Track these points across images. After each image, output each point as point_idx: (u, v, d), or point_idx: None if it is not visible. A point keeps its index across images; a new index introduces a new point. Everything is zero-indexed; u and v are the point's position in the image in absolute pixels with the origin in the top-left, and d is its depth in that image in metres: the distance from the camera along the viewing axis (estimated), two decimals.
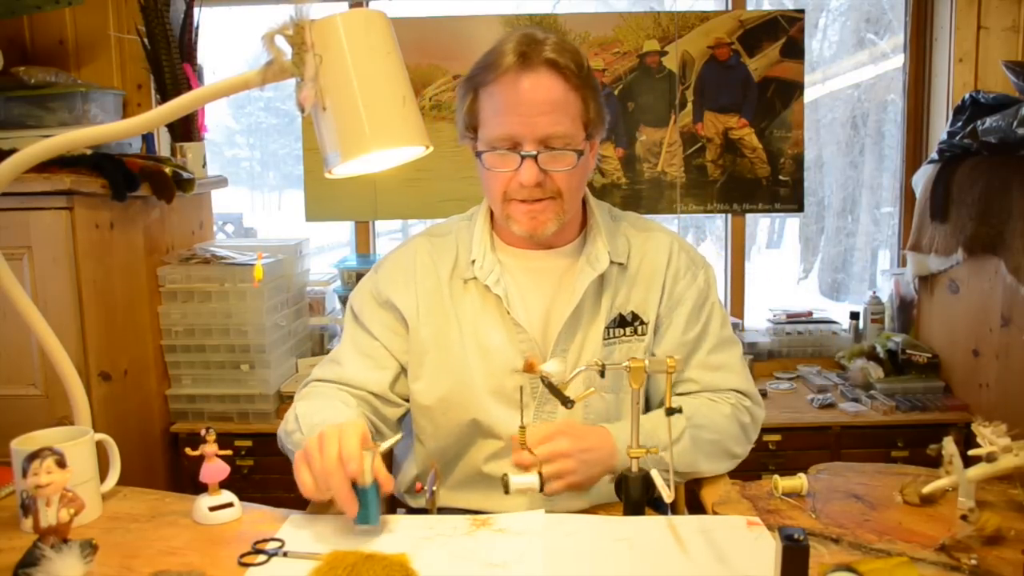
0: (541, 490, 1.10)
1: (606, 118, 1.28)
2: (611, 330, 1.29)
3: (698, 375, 1.32)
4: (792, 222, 7.21)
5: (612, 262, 1.29)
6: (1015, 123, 2.11)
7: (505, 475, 1.09)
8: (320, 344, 2.72)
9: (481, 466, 1.30)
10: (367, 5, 2.73)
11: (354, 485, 1.00)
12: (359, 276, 1.41)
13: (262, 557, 0.98)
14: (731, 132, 2.72)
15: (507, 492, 1.09)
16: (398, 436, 1.12)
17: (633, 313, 1.30)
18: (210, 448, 1.10)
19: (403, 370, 1.33)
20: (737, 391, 1.33)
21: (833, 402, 2.47)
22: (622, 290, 1.31)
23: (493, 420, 1.27)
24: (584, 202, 1.35)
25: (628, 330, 1.30)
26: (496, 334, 1.28)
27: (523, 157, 1.19)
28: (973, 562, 0.93)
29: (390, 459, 1.49)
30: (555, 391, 1.08)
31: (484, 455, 1.30)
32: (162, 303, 2.31)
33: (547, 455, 1.11)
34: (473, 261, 1.29)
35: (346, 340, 1.36)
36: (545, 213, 1.23)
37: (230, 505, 1.10)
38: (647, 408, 1.31)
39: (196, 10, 2.45)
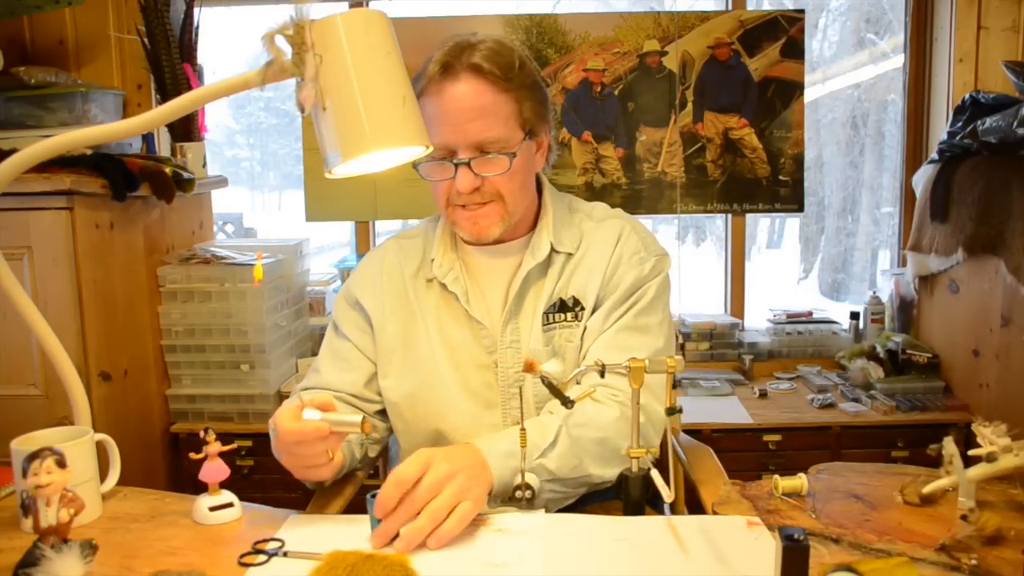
0: (531, 500, 1.10)
1: (549, 113, 1.28)
2: (551, 315, 1.29)
3: (598, 354, 1.25)
4: (792, 222, 7.21)
5: (556, 251, 1.30)
6: (1015, 123, 2.11)
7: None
8: (320, 344, 2.71)
9: None
10: (367, 5, 2.73)
11: (371, 497, 1.01)
12: None
13: (262, 557, 0.98)
14: (731, 132, 2.72)
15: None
16: (355, 418, 1.05)
17: (574, 298, 1.30)
18: (213, 448, 1.10)
19: (376, 368, 1.35)
20: None
21: (833, 402, 2.47)
22: (564, 275, 1.31)
23: (460, 416, 1.28)
24: (541, 195, 1.36)
25: (569, 315, 1.29)
26: (459, 331, 1.30)
27: (456, 165, 1.21)
28: (973, 562, 0.93)
29: (386, 458, 1.50)
30: (555, 391, 1.08)
31: None
32: (162, 303, 2.31)
33: (434, 484, 1.00)
34: (433, 260, 1.32)
35: (323, 347, 1.41)
36: (488, 218, 1.25)
37: (230, 505, 1.10)
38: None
39: (196, 10, 2.46)
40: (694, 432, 2.12)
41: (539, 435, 1.16)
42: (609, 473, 1.20)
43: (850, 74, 5.84)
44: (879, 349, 2.62)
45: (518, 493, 1.08)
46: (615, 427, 1.20)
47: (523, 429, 1.09)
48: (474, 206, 1.24)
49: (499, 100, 1.20)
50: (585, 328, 1.29)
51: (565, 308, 1.29)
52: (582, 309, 1.30)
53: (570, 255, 1.31)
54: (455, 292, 1.29)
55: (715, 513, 1.12)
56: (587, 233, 1.34)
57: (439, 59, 1.20)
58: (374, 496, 1.01)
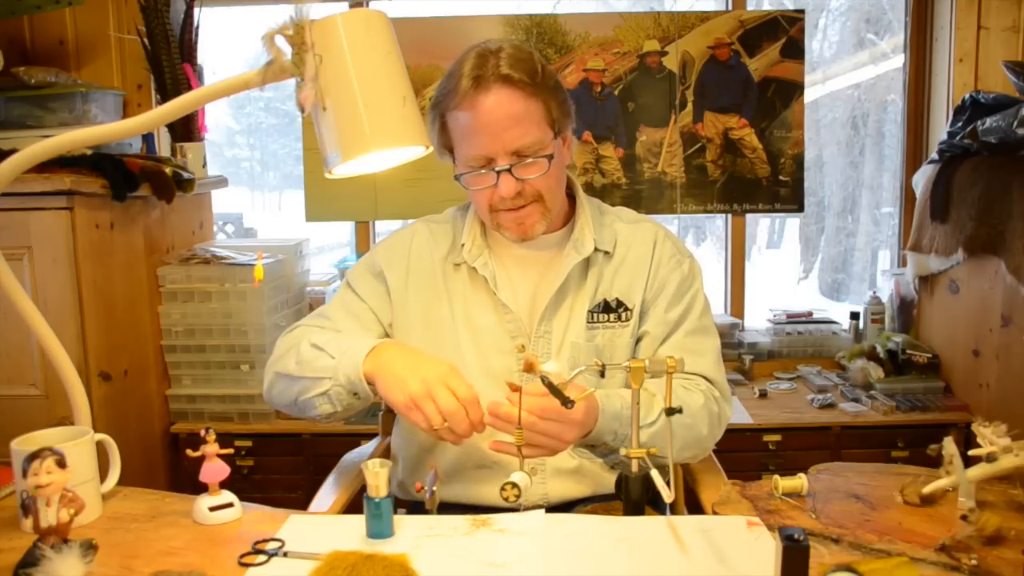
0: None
1: (571, 109, 1.31)
2: (595, 315, 1.33)
3: (671, 354, 1.31)
4: (792, 222, 7.21)
5: (597, 249, 1.33)
6: (1015, 123, 2.10)
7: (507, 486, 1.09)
8: None
9: (467, 449, 1.30)
10: (367, 5, 2.73)
11: (368, 499, 1.02)
12: None
13: (262, 557, 0.98)
14: (731, 132, 2.72)
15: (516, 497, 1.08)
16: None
17: (618, 299, 1.34)
18: (211, 448, 1.10)
19: (386, 335, 1.38)
20: (706, 378, 1.33)
21: (833, 402, 2.47)
22: (607, 276, 1.34)
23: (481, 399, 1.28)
24: (573, 192, 1.39)
25: (612, 316, 1.33)
26: (485, 315, 1.33)
27: (498, 173, 1.23)
28: (973, 562, 0.93)
29: (387, 454, 1.49)
30: (555, 391, 1.08)
31: (471, 438, 1.30)
32: (162, 303, 2.31)
33: (549, 434, 1.12)
34: (463, 245, 1.35)
35: (335, 301, 1.42)
36: (531, 217, 1.28)
37: (230, 505, 1.10)
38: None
39: (196, 10, 2.45)
40: None
41: (644, 410, 1.21)
42: (684, 454, 1.29)
43: (850, 74, 5.84)
44: (879, 349, 2.62)
45: (504, 493, 1.08)
46: (700, 415, 1.27)
47: (519, 428, 1.09)
48: (517, 208, 1.27)
49: (530, 105, 1.22)
50: (638, 335, 1.34)
51: (609, 309, 1.33)
52: (627, 310, 1.34)
53: (607, 254, 1.35)
54: (484, 276, 1.32)
55: (715, 513, 1.13)
56: (621, 235, 1.37)
57: (469, 73, 1.21)
58: (369, 498, 1.02)
